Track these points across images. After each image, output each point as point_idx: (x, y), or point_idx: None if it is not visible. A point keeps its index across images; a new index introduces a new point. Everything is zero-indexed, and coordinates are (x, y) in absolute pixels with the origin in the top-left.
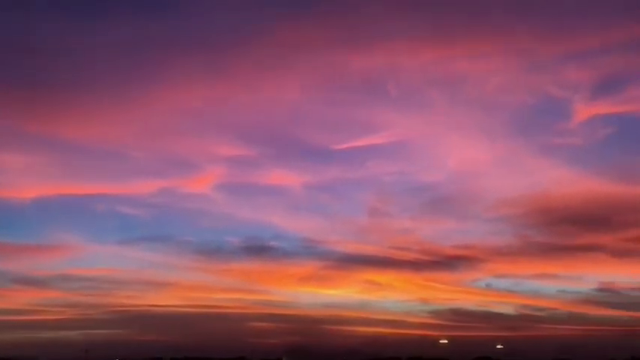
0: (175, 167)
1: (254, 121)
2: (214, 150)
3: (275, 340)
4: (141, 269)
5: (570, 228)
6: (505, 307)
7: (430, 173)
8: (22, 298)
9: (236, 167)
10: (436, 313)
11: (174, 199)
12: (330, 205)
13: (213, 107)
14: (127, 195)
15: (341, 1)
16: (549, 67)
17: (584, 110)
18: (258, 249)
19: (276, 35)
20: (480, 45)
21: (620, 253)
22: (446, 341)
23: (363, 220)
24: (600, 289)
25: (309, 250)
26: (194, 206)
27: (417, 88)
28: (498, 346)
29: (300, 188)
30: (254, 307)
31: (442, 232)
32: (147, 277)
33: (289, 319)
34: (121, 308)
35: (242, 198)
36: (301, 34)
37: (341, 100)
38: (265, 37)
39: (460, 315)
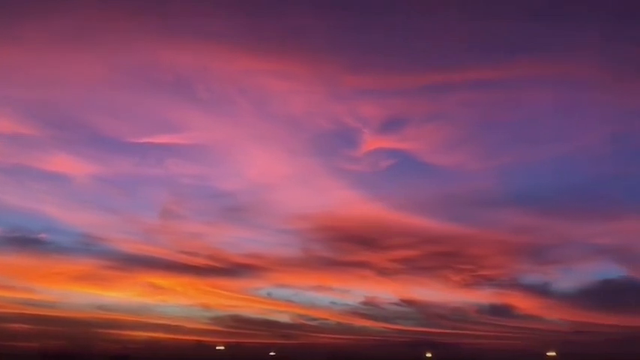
0: None
1: (41, 98)
2: None
3: (34, 344)
4: None
5: (347, 246)
6: (283, 315)
7: (228, 181)
8: None
9: (11, 146)
10: (216, 320)
11: None
12: (118, 200)
13: None
14: None
15: None
16: (348, 99)
17: (371, 142)
18: (25, 241)
19: (80, 11)
20: (291, 65)
21: (384, 272)
22: (222, 347)
23: (153, 221)
24: (365, 303)
25: (87, 247)
26: None
27: (226, 95)
28: (271, 353)
29: (85, 178)
30: (13, 306)
31: (232, 240)
32: None
33: (55, 322)
34: None
35: (12, 181)
36: (108, 14)
37: (144, 91)
38: (68, 10)
39: (240, 322)
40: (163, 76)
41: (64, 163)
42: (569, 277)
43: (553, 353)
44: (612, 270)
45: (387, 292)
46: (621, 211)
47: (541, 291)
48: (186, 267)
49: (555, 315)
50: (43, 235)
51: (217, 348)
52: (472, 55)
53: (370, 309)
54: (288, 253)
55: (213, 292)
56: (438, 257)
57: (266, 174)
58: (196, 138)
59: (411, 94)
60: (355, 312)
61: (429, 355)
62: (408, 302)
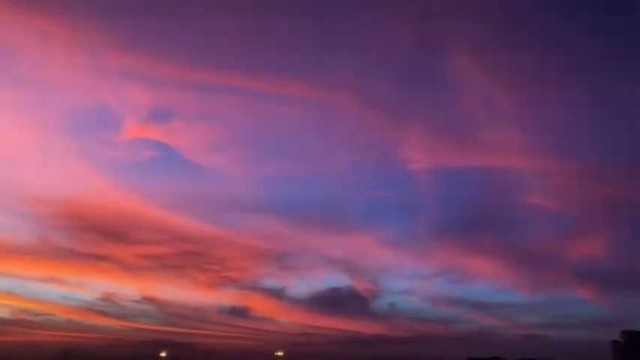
0: None
1: None
2: None
3: None
4: None
5: (90, 236)
6: (1, 309)
7: None
8: None
9: None
10: None
11: None
12: None
13: None
14: None
15: None
16: (114, 77)
17: (134, 130)
18: None
19: None
20: (48, 25)
21: (128, 267)
22: None
23: None
24: (103, 299)
25: None
26: None
27: None
28: None
29: None
30: None
31: None
32: None
33: None
34: None
35: None
36: None
37: None
38: None
39: None
40: None
41: None
42: (303, 284)
43: (281, 353)
44: (339, 279)
45: (129, 288)
46: (351, 228)
47: (277, 295)
48: None
49: (288, 317)
50: None
51: None
52: (249, 63)
53: (108, 305)
54: (17, 238)
55: None
56: (186, 256)
57: (4, 146)
58: None
59: (181, 88)
60: (91, 308)
61: (163, 354)
62: (150, 300)
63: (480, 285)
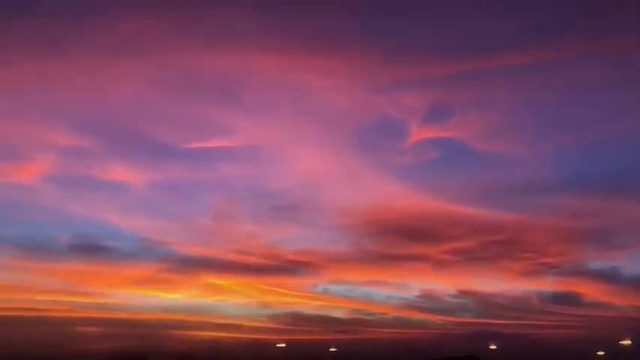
0: None
1: (93, 110)
2: (45, 137)
3: (104, 346)
4: None
5: (399, 239)
6: (339, 311)
7: (277, 180)
8: None
9: (70, 158)
10: (275, 317)
11: None
12: (174, 205)
13: (44, 89)
14: None
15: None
16: (389, 91)
17: (416, 133)
18: (90, 248)
19: (122, 22)
20: (327, 62)
21: (440, 264)
22: (283, 345)
23: (207, 223)
24: (422, 296)
25: (147, 252)
26: (16, 198)
27: (268, 95)
28: (332, 349)
29: (142, 186)
30: (82, 310)
31: (285, 238)
32: None
33: (122, 324)
34: None
35: (75, 192)
36: (151, 25)
37: (191, 99)
38: (109, 21)
39: (298, 319)
40: (208, 83)
41: (121, 172)
42: (636, 262)
43: (628, 342)
44: None
45: (445, 284)
46: None
47: (607, 277)
48: (242, 266)
49: (624, 301)
50: (107, 242)
51: (278, 345)
52: (512, 39)
53: (428, 302)
54: (340, 248)
55: (269, 290)
56: (495, 246)
57: (313, 172)
58: (244, 140)
59: (451, 83)
60: (413, 305)
61: (493, 346)
62: (467, 293)
63: None
